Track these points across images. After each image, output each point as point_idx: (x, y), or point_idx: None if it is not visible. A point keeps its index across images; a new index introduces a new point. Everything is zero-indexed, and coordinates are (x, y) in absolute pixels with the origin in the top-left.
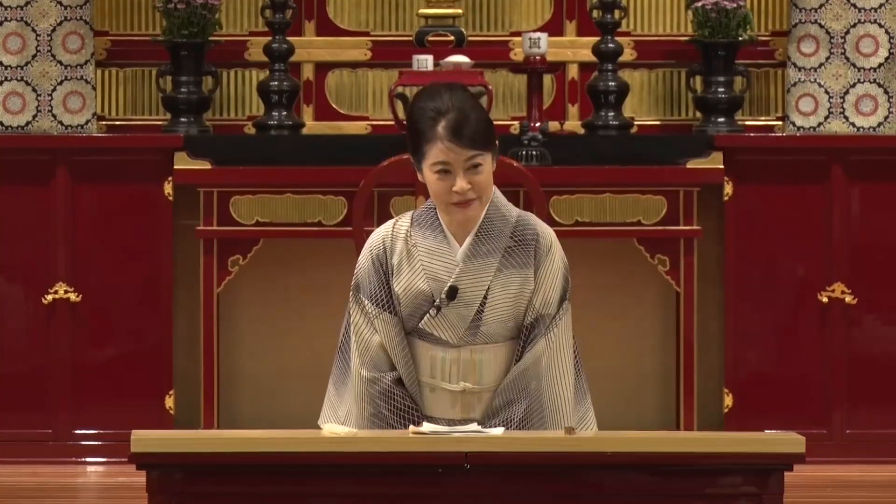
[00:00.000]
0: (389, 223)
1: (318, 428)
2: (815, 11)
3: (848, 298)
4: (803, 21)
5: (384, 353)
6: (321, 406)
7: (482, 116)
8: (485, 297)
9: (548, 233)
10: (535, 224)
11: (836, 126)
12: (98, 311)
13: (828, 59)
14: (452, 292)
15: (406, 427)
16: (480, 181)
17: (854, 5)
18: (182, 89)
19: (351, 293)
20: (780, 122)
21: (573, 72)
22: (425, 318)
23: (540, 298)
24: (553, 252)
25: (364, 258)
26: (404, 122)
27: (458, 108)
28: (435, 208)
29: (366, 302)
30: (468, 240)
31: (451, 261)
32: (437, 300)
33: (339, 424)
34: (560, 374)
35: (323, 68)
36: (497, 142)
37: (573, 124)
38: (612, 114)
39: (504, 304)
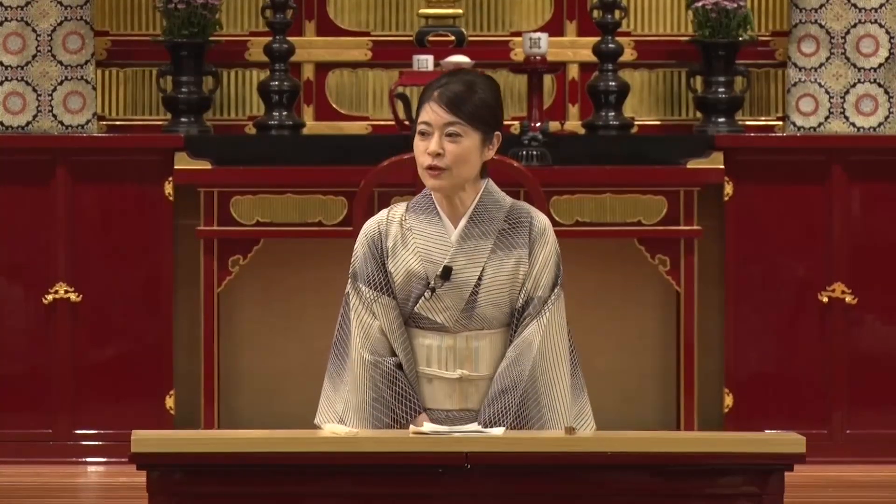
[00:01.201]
0: (384, 210)
1: (315, 427)
2: (816, 11)
3: (848, 298)
4: (803, 21)
5: (384, 339)
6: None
7: (486, 98)
8: (479, 279)
9: (542, 217)
10: (530, 209)
11: (837, 126)
12: (98, 311)
13: (828, 59)
14: (446, 272)
15: (406, 414)
16: (454, 151)
17: (854, 5)
18: (182, 89)
19: (349, 282)
20: (780, 122)
21: (573, 72)
22: (420, 300)
23: (532, 281)
24: (547, 236)
25: (360, 245)
26: (405, 123)
27: (464, 82)
28: (430, 193)
29: (363, 288)
30: (462, 221)
31: (446, 242)
32: (432, 281)
33: (337, 418)
34: (555, 359)
35: (323, 68)
36: (498, 133)
37: (573, 124)
38: (612, 114)
39: (499, 286)
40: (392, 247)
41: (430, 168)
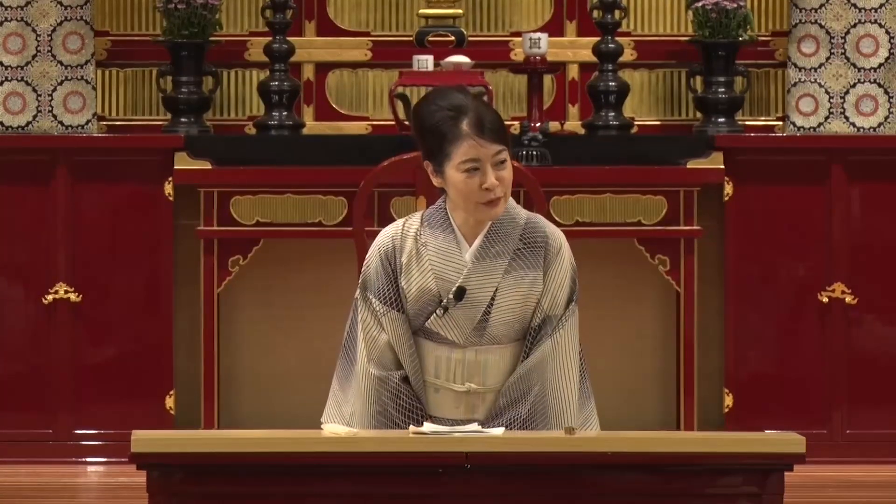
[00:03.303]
0: (399, 222)
1: (320, 426)
2: (816, 11)
3: (848, 298)
4: (803, 21)
5: (391, 352)
6: (321, 406)
7: (497, 114)
8: (492, 299)
9: (557, 235)
10: (545, 226)
11: (837, 126)
12: (98, 311)
13: (828, 59)
14: (460, 293)
15: (410, 425)
16: (507, 178)
17: (854, 5)
18: (182, 89)
19: (358, 291)
20: (780, 123)
21: (573, 72)
22: (432, 317)
23: (548, 300)
24: (562, 254)
25: (372, 256)
26: (405, 123)
27: (475, 107)
28: (445, 208)
29: (373, 300)
30: (478, 240)
31: (461, 261)
32: (445, 300)
33: (345, 421)
34: (565, 376)
35: (323, 68)
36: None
37: (573, 124)
38: (612, 114)
39: (511, 307)
40: (406, 263)
41: (490, 202)
